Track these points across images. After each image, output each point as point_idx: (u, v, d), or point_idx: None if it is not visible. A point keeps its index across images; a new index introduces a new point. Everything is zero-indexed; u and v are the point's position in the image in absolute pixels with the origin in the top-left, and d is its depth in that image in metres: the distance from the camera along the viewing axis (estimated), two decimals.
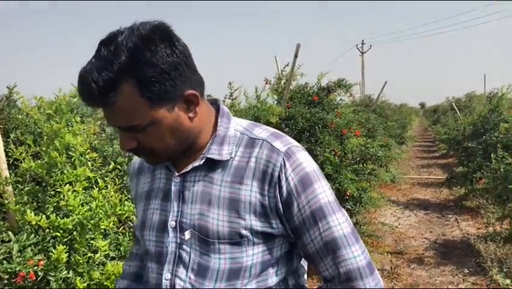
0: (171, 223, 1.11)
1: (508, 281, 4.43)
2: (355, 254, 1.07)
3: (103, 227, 1.86)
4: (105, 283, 1.86)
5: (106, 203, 1.88)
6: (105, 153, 2.86)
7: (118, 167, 2.63)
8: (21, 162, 2.14)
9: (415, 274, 5.02)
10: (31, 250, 1.85)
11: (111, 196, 1.99)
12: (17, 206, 1.93)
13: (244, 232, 1.05)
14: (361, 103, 12.71)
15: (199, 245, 1.07)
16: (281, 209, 1.06)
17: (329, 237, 1.06)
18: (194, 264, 1.08)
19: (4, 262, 1.79)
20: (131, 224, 2.24)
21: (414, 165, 14.00)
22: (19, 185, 2.14)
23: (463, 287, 4.66)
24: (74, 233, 1.90)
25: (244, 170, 1.07)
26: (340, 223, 1.07)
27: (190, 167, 1.11)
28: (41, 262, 1.84)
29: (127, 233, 2.20)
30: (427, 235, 6.54)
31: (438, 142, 18.47)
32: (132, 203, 2.10)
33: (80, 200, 1.92)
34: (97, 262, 1.94)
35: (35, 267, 1.81)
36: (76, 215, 1.84)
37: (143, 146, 1.05)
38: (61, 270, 1.84)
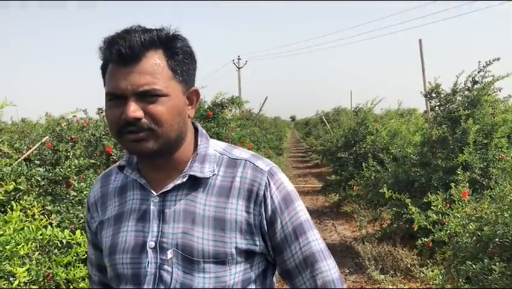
0: (151, 243, 1.09)
1: (382, 276, 4.99)
2: (330, 267, 1.16)
3: (22, 253, 1.74)
4: None
5: (26, 228, 1.77)
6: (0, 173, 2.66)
7: (20, 186, 2.46)
8: None
9: None
10: None
11: (35, 219, 1.87)
12: None
13: (229, 250, 1.08)
14: (241, 117, 13.17)
15: (182, 264, 1.08)
16: (265, 226, 1.11)
17: (308, 252, 1.14)
18: (177, 283, 1.07)
19: None
20: (51, 248, 2.13)
21: (291, 175, 14.77)
22: None
23: (345, 286, 5.13)
24: None
25: (229, 189, 1.11)
26: (316, 238, 1.16)
27: (171, 186, 1.11)
28: None
29: (47, 258, 2.08)
30: None
31: (310, 153, 19.76)
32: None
33: None
34: (17, 287, 1.81)
35: None
36: None
37: (150, 118, 1.04)
38: None
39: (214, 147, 1.18)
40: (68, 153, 3.43)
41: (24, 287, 1.81)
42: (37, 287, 1.84)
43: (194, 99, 1.15)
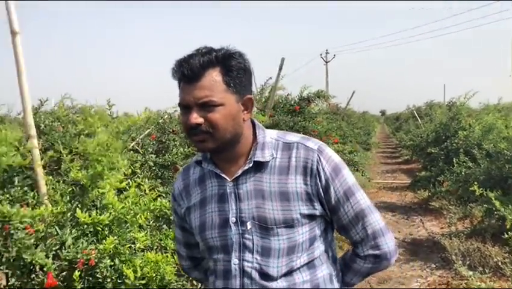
0: (232, 219, 1.37)
1: (470, 273, 4.91)
2: (377, 219, 1.43)
3: (140, 221, 2.14)
4: (144, 269, 2.16)
5: (141, 200, 2.17)
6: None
7: (137, 170, 2.90)
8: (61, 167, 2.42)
9: (388, 270, 5.44)
10: (86, 240, 2.13)
11: (147, 194, 2.27)
12: (61, 205, 2.21)
13: (295, 216, 1.34)
14: (327, 111, 13.25)
15: (259, 232, 1.35)
16: (322, 193, 1.36)
17: (358, 208, 1.40)
18: (258, 247, 1.35)
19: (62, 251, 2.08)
20: (161, 224, 2.55)
21: (379, 170, 14.55)
22: (59, 185, 2.40)
23: (431, 279, 5.13)
24: (112, 227, 2.18)
25: (287, 168, 1.37)
26: (364, 197, 1.42)
27: (240, 172, 1.38)
28: (93, 252, 2.12)
29: (159, 226, 2.49)
30: (396, 234, 6.98)
31: (400, 149, 19.23)
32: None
33: (117, 199, 2.20)
34: (137, 251, 2.22)
35: (90, 256, 2.10)
36: (114, 211, 2.12)
37: (208, 124, 1.30)
38: (108, 258, 2.12)
39: (269, 135, 1.44)
40: (176, 142, 3.88)
41: (144, 249, 2.21)
42: (154, 252, 2.24)
43: (249, 105, 1.40)
